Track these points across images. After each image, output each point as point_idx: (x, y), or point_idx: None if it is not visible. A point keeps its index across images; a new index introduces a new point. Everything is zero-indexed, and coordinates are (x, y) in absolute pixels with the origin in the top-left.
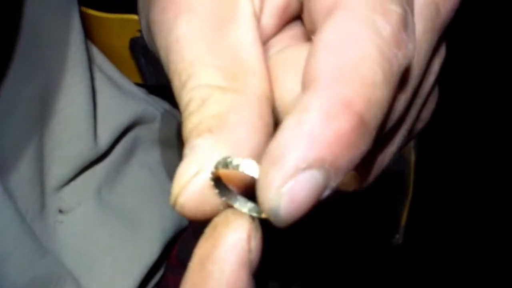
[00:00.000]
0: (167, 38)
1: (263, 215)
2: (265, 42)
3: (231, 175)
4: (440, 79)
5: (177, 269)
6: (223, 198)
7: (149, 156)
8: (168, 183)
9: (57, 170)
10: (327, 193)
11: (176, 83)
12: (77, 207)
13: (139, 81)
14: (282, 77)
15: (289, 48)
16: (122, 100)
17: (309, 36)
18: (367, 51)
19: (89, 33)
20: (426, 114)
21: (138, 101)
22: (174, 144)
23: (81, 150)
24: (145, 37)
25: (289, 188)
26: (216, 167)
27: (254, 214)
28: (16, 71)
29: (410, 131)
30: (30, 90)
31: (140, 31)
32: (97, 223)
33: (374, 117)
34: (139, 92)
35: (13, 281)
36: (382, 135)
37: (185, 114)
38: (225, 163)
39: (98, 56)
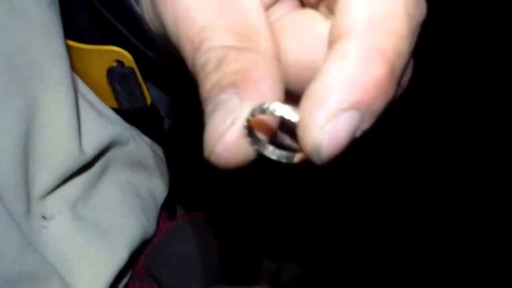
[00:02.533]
0: (175, 9)
1: (295, 160)
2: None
3: (261, 124)
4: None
5: (142, 276)
6: (255, 147)
7: (120, 175)
8: (135, 199)
9: (41, 179)
10: (358, 134)
11: (188, 48)
12: (58, 215)
13: (115, 105)
14: (284, 39)
15: (288, 14)
16: (101, 123)
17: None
18: (395, 6)
19: (70, 61)
20: (405, 80)
21: (115, 125)
22: (143, 166)
23: (66, 160)
24: (147, 17)
25: (332, 126)
26: (252, 114)
27: (284, 161)
28: (5, 84)
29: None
30: (17, 103)
31: (116, 60)
32: (74, 231)
33: (400, 67)
34: (116, 117)
35: (0, 274)
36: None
37: (202, 75)
38: (262, 109)
39: (80, 84)
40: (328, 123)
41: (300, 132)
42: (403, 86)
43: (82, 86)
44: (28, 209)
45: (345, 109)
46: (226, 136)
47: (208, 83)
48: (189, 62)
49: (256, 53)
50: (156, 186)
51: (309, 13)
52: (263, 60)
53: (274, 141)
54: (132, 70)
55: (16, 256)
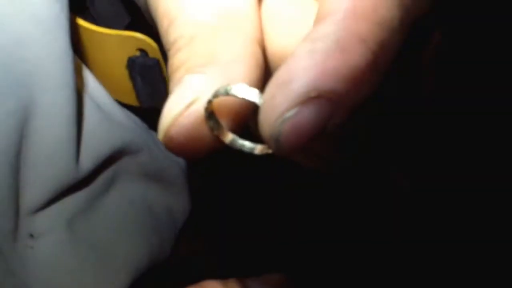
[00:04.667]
0: None
1: (257, 151)
2: None
3: (224, 108)
4: None
5: None
6: (216, 133)
7: (131, 189)
8: (147, 217)
9: (32, 192)
10: (330, 128)
11: (164, 22)
12: (48, 233)
13: (135, 102)
14: (271, 27)
15: (281, 1)
16: (109, 129)
17: None
18: None
19: (84, 50)
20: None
21: (126, 131)
22: (159, 179)
23: (60, 173)
24: None
25: (294, 114)
26: (215, 95)
27: (246, 151)
28: None
29: None
30: (10, 104)
31: (139, 49)
32: (67, 251)
33: (386, 61)
34: (128, 122)
35: None
36: None
37: (172, 51)
38: (225, 90)
39: (91, 82)
40: (289, 110)
41: (260, 118)
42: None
43: (92, 86)
44: (15, 227)
45: (313, 97)
46: (183, 116)
47: (176, 60)
48: (163, 37)
49: (231, 33)
50: (176, 203)
51: (302, 1)
52: (239, 41)
53: (242, 131)
54: (156, 61)
55: None
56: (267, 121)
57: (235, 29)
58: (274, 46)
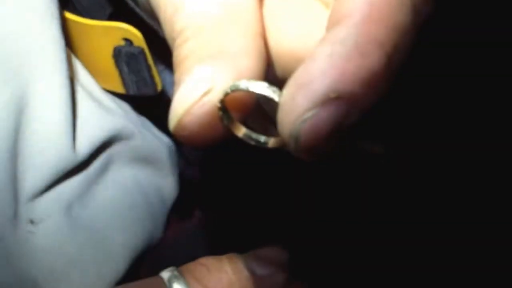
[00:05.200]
0: None
1: (270, 145)
2: None
3: (236, 102)
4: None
5: None
6: (227, 125)
7: (124, 173)
8: (141, 201)
9: (31, 179)
10: (344, 128)
11: (168, 11)
12: (47, 218)
13: (121, 90)
14: (281, 24)
15: None
16: (101, 115)
17: None
18: None
19: (71, 41)
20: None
21: (117, 117)
22: (149, 161)
23: (57, 160)
24: None
25: (314, 114)
26: (233, 89)
27: (257, 144)
28: None
29: None
30: (6, 94)
31: (124, 39)
32: (66, 236)
33: (398, 63)
34: (119, 109)
35: None
36: None
37: (180, 39)
38: (246, 86)
39: (81, 71)
40: (310, 111)
41: (280, 117)
42: None
43: (82, 74)
44: (15, 214)
45: (332, 98)
46: (197, 106)
47: (184, 49)
48: (166, 26)
49: (237, 26)
50: (166, 185)
51: None
52: (244, 34)
53: (249, 123)
54: (141, 50)
55: None
56: (287, 121)
57: (240, 22)
58: (285, 44)
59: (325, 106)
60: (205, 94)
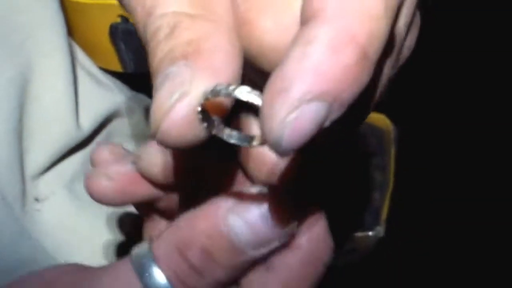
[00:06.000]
0: None
1: (254, 144)
2: None
3: (215, 105)
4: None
5: None
6: (207, 127)
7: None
8: None
9: (35, 156)
10: (327, 124)
11: (139, 12)
12: (51, 196)
13: (119, 68)
14: (260, 19)
15: None
16: (101, 93)
17: None
18: None
19: (68, 21)
20: (411, 41)
21: (117, 94)
22: (146, 138)
23: (62, 136)
24: None
25: (293, 119)
26: (214, 94)
27: (244, 144)
28: None
29: (397, 60)
30: (9, 72)
31: (120, 16)
32: (71, 212)
33: (375, 51)
34: (118, 87)
35: None
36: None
37: (153, 43)
38: (227, 92)
39: (78, 51)
40: (289, 116)
41: (261, 122)
42: (410, 47)
43: (81, 54)
44: (23, 191)
45: (309, 100)
46: (173, 111)
47: (159, 52)
48: (140, 28)
49: (210, 23)
50: None
51: None
52: (218, 30)
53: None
54: None
55: (12, 244)
56: (268, 127)
57: (212, 18)
58: (265, 39)
59: (304, 109)
60: (182, 97)
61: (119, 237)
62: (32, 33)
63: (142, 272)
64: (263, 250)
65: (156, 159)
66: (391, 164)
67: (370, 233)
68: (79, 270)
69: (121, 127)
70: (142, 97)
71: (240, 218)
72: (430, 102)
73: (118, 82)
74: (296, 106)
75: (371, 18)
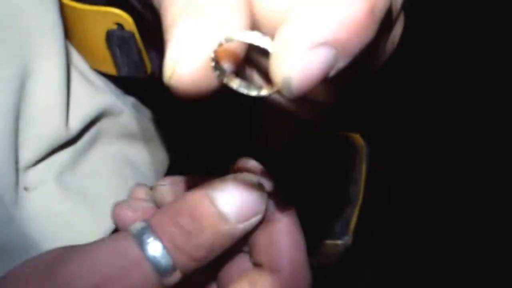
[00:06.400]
0: None
1: (264, 93)
2: None
3: (228, 54)
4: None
5: None
6: (221, 77)
7: (112, 146)
8: (129, 170)
9: (27, 150)
10: (333, 73)
11: None
12: (40, 185)
13: (113, 71)
14: None
15: None
16: (92, 93)
17: None
18: None
19: (66, 25)
20: (400, 29)
21: (107, 95)
22: (138, 138)
23: (52, 132)
24: None
25: (306, 59)
26: (227, 40)
27: (252, 94)
28: None
29: (392, 42)
30: (9, 70)
31: (116, 23)
32: (58, 201)
33: (381, 9)
34: (108, 88)
35: None
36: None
37: (165, 3)
38: (240, 36)
39: (74, 56)
40: (301, 56)
41: (272, 63)
42: (394, 40)
43: (75, 55)
44: (16, 181)
45: (321, 44)
46: (188, 58)
47: (171, 11)
48: None
49: None
50: (156, 156)
51: None
52: None
53: (240, 75)
54: (132, 34)
55: (1, 233)
56: (279, 66)
57: None
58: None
59: (314, 51)
60: (196, 45)
61: (101, 222)
62: (32, 36)
63: (142, 241)
64: (244, 225)
65: (168, 196)
66: (363, 178)
67: (339, 241)
68: (80, 247)
69: (109, 127)
70: (132, 99)
71: (222, 191)
72: (400, 121)
73: (109, 83)
74: (306, 49)
75: None
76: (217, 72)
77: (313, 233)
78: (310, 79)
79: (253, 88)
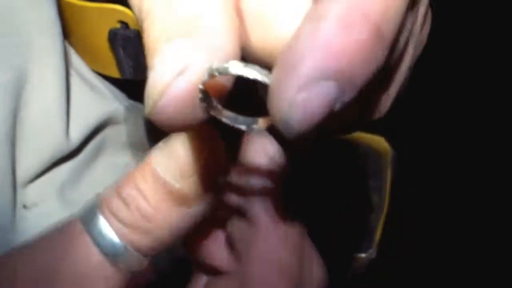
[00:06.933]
0: None
1: (258, 127)
2: None
3: (216, 86)
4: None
5: None
6: (209, 110)
7: (116, 157)
8: None
9: (25, 164)
10: (338, 107)
11: None
12: (41, 202)
13: (116, 74)
14: (274, 9)
15: None
16: (94, 100)
17: None
18: None
19: (66, 24)
20: (426, 31)
21: (110, 101)
22: (144, 147)
23: (52, 145)
24: None
25: (303, 98)
26: (210, 75)
27: (244, 128)
28: None
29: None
30: (4, 76)
31: (120, 21)
32: (61, 217)
33: (389, 30)
34: (112, 94)
35: None
36: (392, 56)
37: (148, 21)
38: (224, 68)
39: (74, 57)
40: (299, 94)
41: (270, 101)
42: (423, 43)
43: (76, 59)
44: (14, 197)
45: (319, 78)
46: (173, 86)
47: (154, 30)
48: (135, 9)
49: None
50: None
51: None
52: (215, 6)
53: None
54: (137, 32)
55: None
56: (277, 106)
57: None
58: (249, 9)
59: (313, 88)
60: (181, 73)
61: None
62: (28, 39)
63: (88, 222)
64: (185, 183)
65: None
66: (387, 186)
67: (363, 254)
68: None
69: (115, 135)
70: (139, 105)
71: (161, 151)
72: (427, 125)
73: (113, 89)
74: (305, 84)
75: None
76: (205, 104)
77: (336, 247)
78: (311, 119)
79: (246, 122)
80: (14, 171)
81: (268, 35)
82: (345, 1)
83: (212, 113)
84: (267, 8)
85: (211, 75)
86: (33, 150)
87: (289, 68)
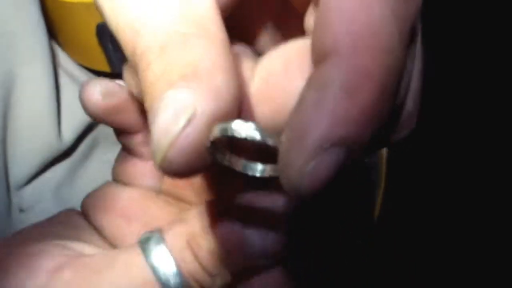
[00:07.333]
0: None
1: (268, 174)
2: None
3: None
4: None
5: None
6: (219, 158)
7: (110, 153)
8: None
9: (20, 166)
10: (348, 163)
11: (128, 35)
12: (37, 205)
13: (107, 69)
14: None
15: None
16: None
17: None
18: (381, 12)
19: (52, 22)
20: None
21: None
22: None
23: (44, 145)
24: None
25: (312, 167)
26: (223, 134)
27: (257, 174)
28: None
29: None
30: None
31: None
32: None
33: (392, 83)
34: None
35: None
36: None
37: (143, 64)
38: (232, 132)
39: (61, 55)
40: (307, 165)
41: (280, 169)
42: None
43: (64, 58)
44: (9, 201)
45: (327, 146)
46: (182, 138)
47: (150, 74)
48: (128, 50)
49: (204, 40)
50: None
51: None
52: (213, 48)
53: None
54: None
55: None
56: (286, 176)
57: (206, 35)
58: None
59: (321, 157)
60: (188, 122)
61: None
62: (15, 41)
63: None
64: (271, 260)
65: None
66: (383, 164)
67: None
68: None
69: (107, 132)
70: None
71: (255, 231)
72: (427, 125)
73: None
74: (314, 154)
75: (385, 51)
76: (217, 155)
77: (332, 224)
78: (320, 183)
79: (258, 169)
80: (7, 174)
81: (277, 113)
82: (347, 65)
83: (226, 163)
84: (275, 88)
85: (216, 137)
86: (26, 152)
87: (297, 138)
